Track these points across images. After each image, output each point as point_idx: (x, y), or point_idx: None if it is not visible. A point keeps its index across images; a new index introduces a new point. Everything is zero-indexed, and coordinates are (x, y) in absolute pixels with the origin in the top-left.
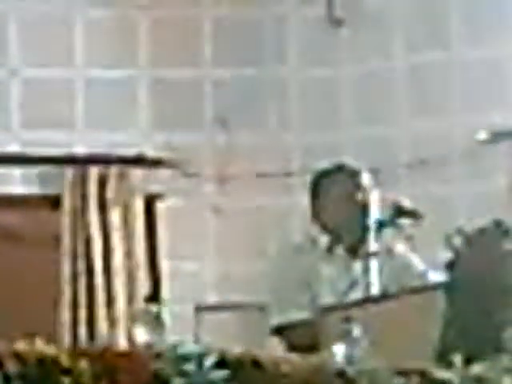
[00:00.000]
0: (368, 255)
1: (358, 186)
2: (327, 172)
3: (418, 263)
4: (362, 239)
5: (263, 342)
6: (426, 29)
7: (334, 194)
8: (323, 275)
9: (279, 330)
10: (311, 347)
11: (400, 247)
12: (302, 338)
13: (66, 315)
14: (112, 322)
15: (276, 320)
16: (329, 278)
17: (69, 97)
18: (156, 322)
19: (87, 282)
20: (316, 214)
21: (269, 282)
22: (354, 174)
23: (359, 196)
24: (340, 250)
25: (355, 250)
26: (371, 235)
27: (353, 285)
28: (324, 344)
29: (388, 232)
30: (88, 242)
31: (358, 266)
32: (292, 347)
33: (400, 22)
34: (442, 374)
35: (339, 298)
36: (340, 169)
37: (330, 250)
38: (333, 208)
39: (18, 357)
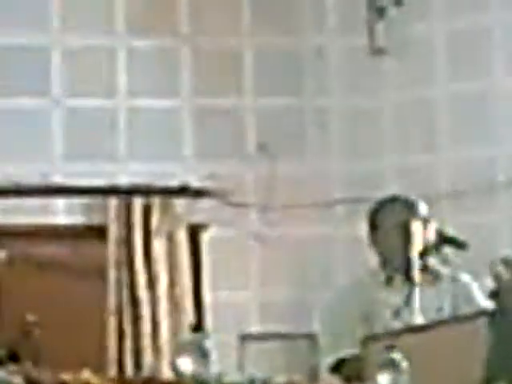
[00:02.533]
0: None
1: (413, 216)
2: (384, 203)
3: (478, 292)
4: (408, 268)
5: (308, 371)
6: (468, 57)
7: (391, 224)
8: (384, 305)
9: (335, 367)
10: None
11: (463, 275)
12: (355, 372)
13: (111, 345)
14: (157, 351)
15: (331, 355)
16: (390, 307)
17: (112, 127)
18: (200, 352)
19: (132, 312)
20: (374, 244)
21: (326, 315)
22: (410, 204)
23: (412, 225)
24: (399, 279)
25: (409, 278)
26: (417, 264)
27: (397, 313)
28: (369, 373)
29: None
30: (133, 272)
31: (416, 293)
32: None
33: (442, 50)
34: None
35: (384, 327)
36: (396, 199)
37: (389, 280)
38: (390, 238)
39: None
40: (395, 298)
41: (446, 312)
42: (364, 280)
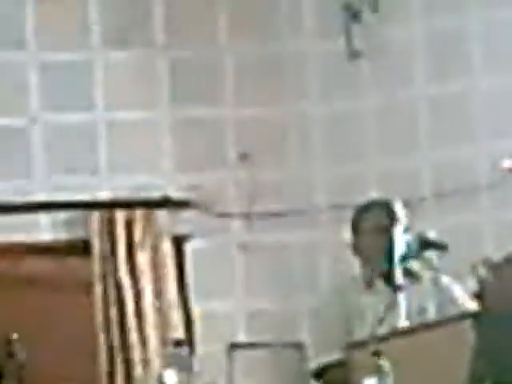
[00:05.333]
0: (399, 287)
1: (392, 220)
2: (365, 207)
3: (461, 294)
4: (390, 271)
5: (296, 380)
6: (447, 57)
7: (370, 228)
8: (367, 310)
9: (318, 374)
10: None
11: (445, 278)
12: (339, 378)
13: (101, 359)
14: (146, 364)
15: (314, 362)
16: (373, 311)
17: (91, 141)
18: (185, 365)
19: (120, 326)
20: (356, 249)
21: (309, 321)
22: (389, 208)
23: (391, 229)
24: (380, 283)
25: (391, 282)
26: (398, 267)
27: (381, 319)
28: (355, 380)
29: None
30: (119, 286)
31: (391, 297)
32: None
33: (420, 51)
34: None
35: (369, 332)
36: (376, 203)
37: (370, 284)
38: (371, 242)
39: None
40: (377, 302)
41: (429, 314)
42: (345, 285)
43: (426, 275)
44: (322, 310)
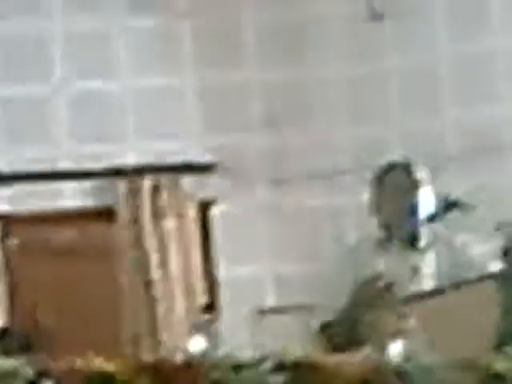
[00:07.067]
0: (425, 247)
1: (414, 181)
2: (386, 169)
3: (477, 254)
4: (415, 233)
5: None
6: (469, 18)
7: (392, 190)
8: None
9: (322, 329)
10: (350, 344)
11: (459, 239)
12: (340, 335)
13: (127, 327)
14: (171, 331)
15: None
16: (388, 272)
17: (117, 108)
18: (211, 332)
19: (146, 293)
20: (376, 210)
21: (325, 283)
22: (410, 170)
23: (414, 191)
24: (396, 245)
25: (411, 244)
26: (422, 229)
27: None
28: (378, 340)
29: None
30: (144, 253)
31: (414, 259)
32: (331, 346)
33: (442, 12)
34: (499, 365)
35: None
36: (398, 165)
37: (385, 245)
38: (392, 204)
39: (78, 374)
40: (394, 264)
41: (440, 277)
42: (359, 246)
43: (442, 236)
44: (336, 273)
